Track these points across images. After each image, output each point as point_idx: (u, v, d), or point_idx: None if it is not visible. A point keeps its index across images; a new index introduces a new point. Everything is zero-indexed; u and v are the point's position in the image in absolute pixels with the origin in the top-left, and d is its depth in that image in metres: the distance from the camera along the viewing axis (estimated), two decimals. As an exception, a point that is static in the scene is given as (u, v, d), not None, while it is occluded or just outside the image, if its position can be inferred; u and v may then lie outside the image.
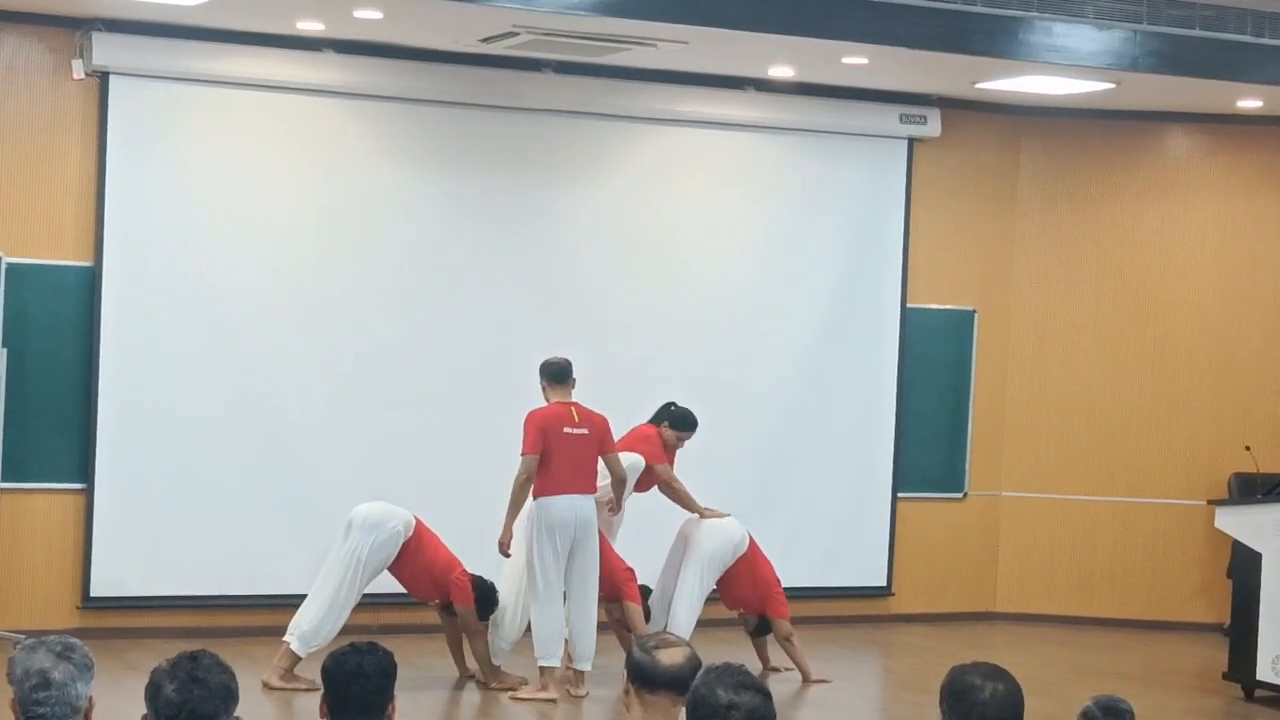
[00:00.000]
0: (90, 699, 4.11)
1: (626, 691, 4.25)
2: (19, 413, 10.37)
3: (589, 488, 9.46)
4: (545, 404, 9.50)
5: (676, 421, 10.24)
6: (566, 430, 9.37)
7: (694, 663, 4.18)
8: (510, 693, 9.55)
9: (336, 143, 11.14)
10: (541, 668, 9.45)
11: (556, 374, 9.53)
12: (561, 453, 9.34)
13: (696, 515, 10.22)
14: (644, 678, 4.19)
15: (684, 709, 3.97)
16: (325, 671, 4.18)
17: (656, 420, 10.26)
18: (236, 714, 3.83)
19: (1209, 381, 12.93)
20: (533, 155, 11.55)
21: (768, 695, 3.82)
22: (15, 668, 4.08)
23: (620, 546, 10.06)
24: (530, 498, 9.40)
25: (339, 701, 4.12)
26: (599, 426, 9.48)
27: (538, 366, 9.62)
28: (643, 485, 10.21)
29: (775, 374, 12.16)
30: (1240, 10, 10.81)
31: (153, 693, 3.77)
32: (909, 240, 12.59)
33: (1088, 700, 5.10)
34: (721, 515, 10.26)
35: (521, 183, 11.52)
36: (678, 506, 10.26)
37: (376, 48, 11.00)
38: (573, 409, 9.45)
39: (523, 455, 9.34)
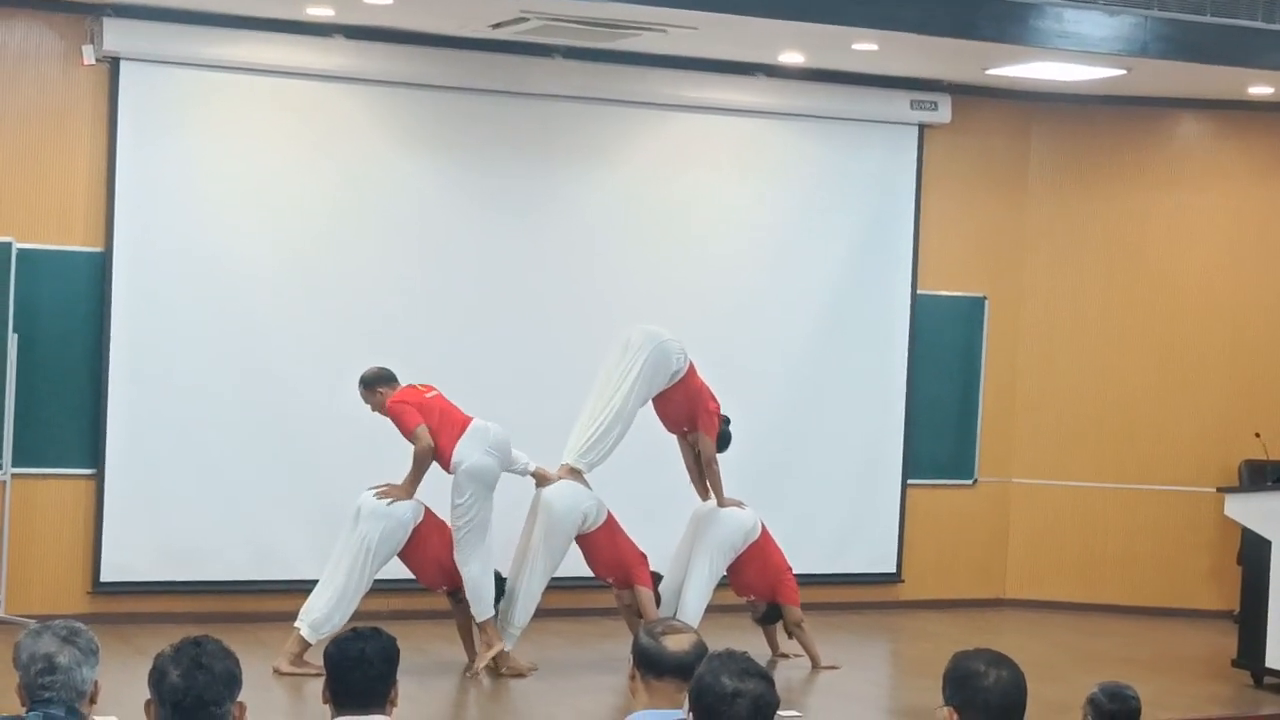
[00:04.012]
0: (95, 683, 4.13)
1: (632, 677, 4.25)
2: (30, 398, 10.39)
3: (466, 419, 9.55)
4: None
5: (721, 439, 10.21)
6: (427, 396, 9.57)
7: (700, 649, 4.19)
8: (506, 668, 9.58)
9: (346, 128, 11.14)
10: (481, 623, 9.57)
11: (384, 378, 9.63)
12: (435, 415, 9.49)
13: (712, 502, 10.19)
14: (650, 663, 4.20)
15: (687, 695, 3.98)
16: (328, 657, 4.20)
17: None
18: (240, 698, 3.84)
19: (1219, 368, 12.91)
20: (542, 141, 11.55)
21: (771, 682, 3.83)
22: (21, 652, 4.10)
23: (633, 532, 10.06)
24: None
25: (342, 687, 4.14)
26: (435, 390, 9.69)
27: (359, 379, 9.69)
28: (677, 424, 10.16)
29: (785, 360, 12.15)
30: (1251, -4, 10.80)
31: (157, 678, 3.78)
32: (919, 226, 12.57)
33: (1094, 687, 5.11)
34: (740, 505, 10.25)
35: (531, 168, 11.52)
36: (689, 494, 10.26)
37: (386, 33, 11.00)
38: (413, 386, 9.66)
39: (413, 431, 9.42)
